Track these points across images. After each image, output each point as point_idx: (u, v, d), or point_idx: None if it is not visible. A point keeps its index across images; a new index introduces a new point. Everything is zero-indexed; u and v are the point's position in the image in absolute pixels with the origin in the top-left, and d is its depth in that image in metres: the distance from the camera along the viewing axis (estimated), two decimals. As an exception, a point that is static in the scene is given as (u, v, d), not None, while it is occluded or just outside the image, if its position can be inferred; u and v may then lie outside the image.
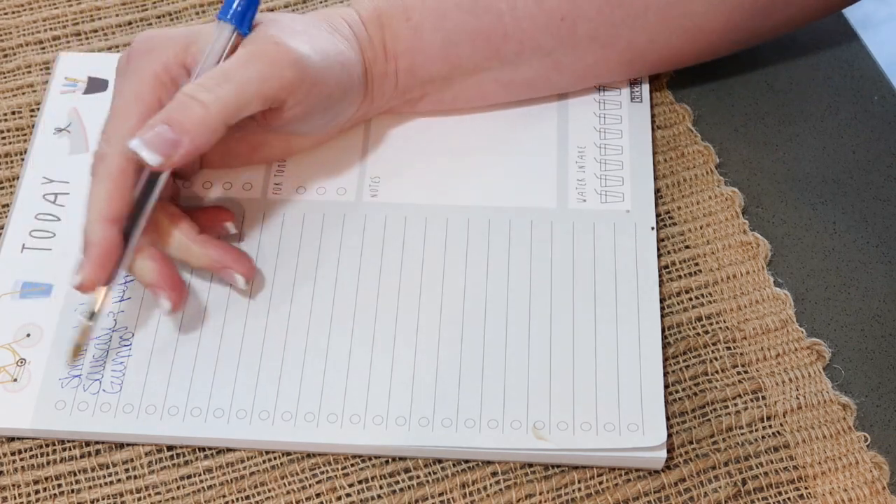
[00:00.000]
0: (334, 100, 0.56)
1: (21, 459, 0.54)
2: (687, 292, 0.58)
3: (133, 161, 0.52)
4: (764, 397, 0.55)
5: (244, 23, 0.54)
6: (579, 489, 0.52)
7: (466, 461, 0.53)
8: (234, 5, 0.54)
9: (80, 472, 0.54)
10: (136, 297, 0.57)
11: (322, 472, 0.53)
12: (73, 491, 0.53)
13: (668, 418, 0.54)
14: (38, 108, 0.65)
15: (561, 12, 0.58)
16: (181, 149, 0.50)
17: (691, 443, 0.54)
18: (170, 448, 0.54)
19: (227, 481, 0.53)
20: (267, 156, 0.61)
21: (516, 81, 0.60)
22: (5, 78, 0.67)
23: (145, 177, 0.53)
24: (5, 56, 0.68)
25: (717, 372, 0.56)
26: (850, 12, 0.68)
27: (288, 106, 0.54)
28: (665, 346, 0.56)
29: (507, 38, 0.58)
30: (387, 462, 0.53)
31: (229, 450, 0.54)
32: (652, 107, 0.64)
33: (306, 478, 0.53)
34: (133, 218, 0.53)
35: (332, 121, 0.58)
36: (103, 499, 0.53)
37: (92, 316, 0.53)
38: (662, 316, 0.57)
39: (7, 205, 0.62)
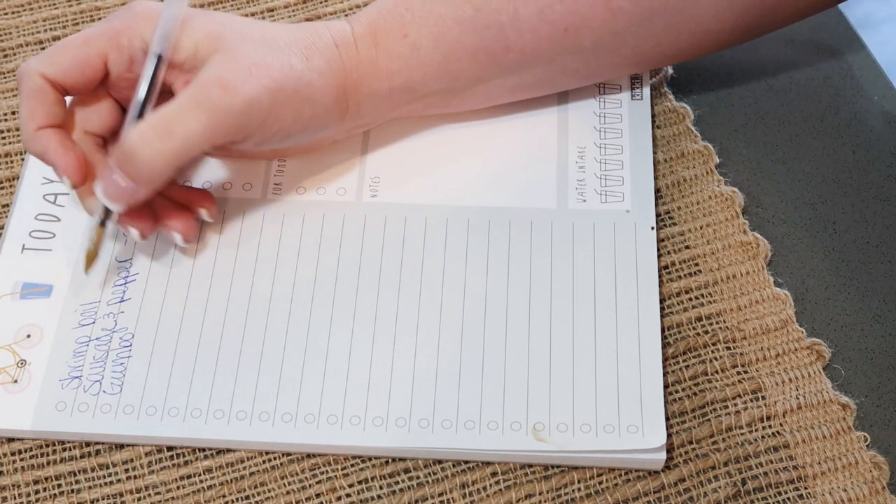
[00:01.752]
0: (291, 132, 0.55)
1: (21, 459, 0.54)
2: (687, 292, 0.58)
3: (53, 81, 0.54)
4: (764, 397, 0.55)
5: None
6: (579, 489, 0.53)
7: (466, 461, 0.53)
8: None
9: (80, 472, 0.54)
10: (136, 297, 0.57)
11: (322, 473, 0.53)
12: (73, 491, 0.53)
13: (667, 418, 0.54)
14: (38, 109, 0.65)
15: (564, 23, 0.56)
16: (138, 194, 0.53)
17: (691, 443, 0.54)
18: (170, 448, 0.54)
19: (227, 481, 0.53)
20: (255, 157, 0.61)
21: (521, 85, 0.60)
22: (5, 78, 0.67)
23: (147, 75, 0.54)
24: (5, 56, 0.68)
25: (717, 372, 0.56)
26: (850, 12, 0.68)
27: (236, 142, 0.54)
28: (665, 346, 0.56)
29: (509, 50, 0.57)
30: (387, 462, 0.53)
31: (229, 450, 0.54)
32: (652, 106, 0.64)
33: (306, 478, 0.53)
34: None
35: (303, 142, 0.58)
36: (103, 499, 0.53)
37: (103, 222, 0.55)
38: (662, 316, 0.57)
39: (7, 205, 0.62)
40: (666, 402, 0.54)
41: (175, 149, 0.51)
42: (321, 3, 0.70)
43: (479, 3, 0.56)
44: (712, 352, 0.56)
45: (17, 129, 0.65)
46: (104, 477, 0.53)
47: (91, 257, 0.56)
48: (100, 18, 0.69)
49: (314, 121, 0.55)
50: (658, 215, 0.60)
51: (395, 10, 0.57)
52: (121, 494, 0.53)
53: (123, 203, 0.53)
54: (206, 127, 0.51)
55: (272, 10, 0.70)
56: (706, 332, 0.57)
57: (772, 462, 0.53)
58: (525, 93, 0.61)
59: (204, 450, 0.54)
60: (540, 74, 0.59)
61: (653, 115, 0.64)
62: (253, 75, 0.52)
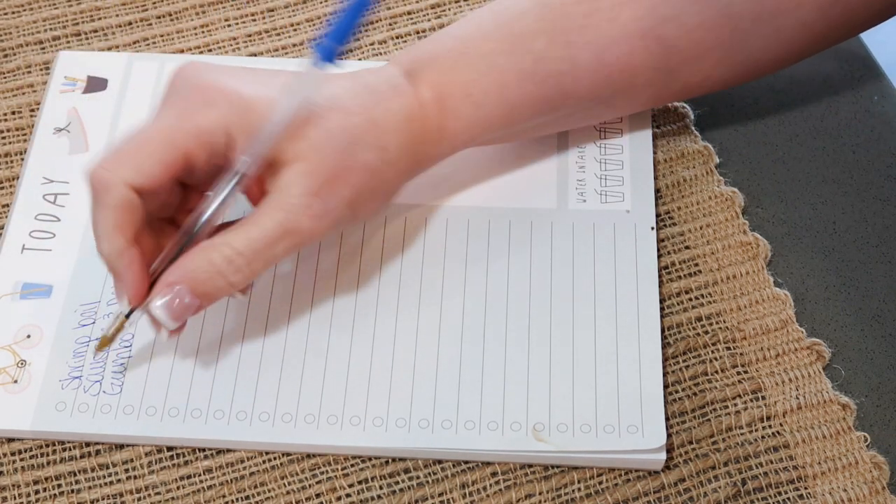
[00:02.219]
0: (365, 220, 0.54)
1: (21, 460, 0.54)
2: (687, 293, 0.58)
3: (140, 189, 0.49)
4: (764, 397, 0.55)
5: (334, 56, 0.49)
6: (579, 489, 0.53)
7: (466, 462, 0.53)
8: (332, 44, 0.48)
9: (80, 472, 0.54)
10: (136, 297, 0.57)
11: (322, 473, 0.53)
12: (73, 491, 0.53)
13: (667, 418, 0.54)
14: (38, 108, 0.65)
15: (620, 66, 0.56)
16: (197, 311, 0.51)
17: (691, 443, 0.54)
18: (170, 448, 0.54)
19: (227, 481, 0.53)
20: None
21: (568, 121, 0.59)
22: (5, 78, 0.67)
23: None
24: (5, 56, 0.68)
25: (717, 372, 0.56)
26: (850, 12, 0.68)
27: None
28: (665, 346, 0.56)
29: (567, 96, 0.56)
30: (387, 462, 0.53)
31: (229, 450, 0.54)
32: (652, 106, 0.64)
33: (306, 478, 0.53)
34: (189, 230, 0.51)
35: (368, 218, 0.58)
36: (103, 499, 0.53)
37: (130, 314, 0.51)
38: (662, 316, 0.57)
39: (7, 205, 0.62)
40: (666, 402, 0.54)
41: (260, 269, 0.51)
42: (321, 3, 0.70)
43: (540, 53, 0.55)
44: (712, 352, 0.56)
45: (18, 129, 0.65)
46: (104, 477, 0.53)
47: (105, 343, 0.53)
48: (100, 19, 0.69)
49: (385, 206, 0.54)
50: (658, 215, 0.60)
51: (455, 67, 0.55)
52: (121, 494, 0.53)
53: (180, 320, 0.51)
54: (293, 248, 0.51)
55: (272, 11, 0.69)
56: (706, 332, 0.57)
57: (772, 462, 0.53)
58: (572, 125, 0.61)
59: (204, 450, 0.54)
60: (592, 113, 0.59)
61: (653, 115, 0.64)
62: (334, 191, 0.50)
